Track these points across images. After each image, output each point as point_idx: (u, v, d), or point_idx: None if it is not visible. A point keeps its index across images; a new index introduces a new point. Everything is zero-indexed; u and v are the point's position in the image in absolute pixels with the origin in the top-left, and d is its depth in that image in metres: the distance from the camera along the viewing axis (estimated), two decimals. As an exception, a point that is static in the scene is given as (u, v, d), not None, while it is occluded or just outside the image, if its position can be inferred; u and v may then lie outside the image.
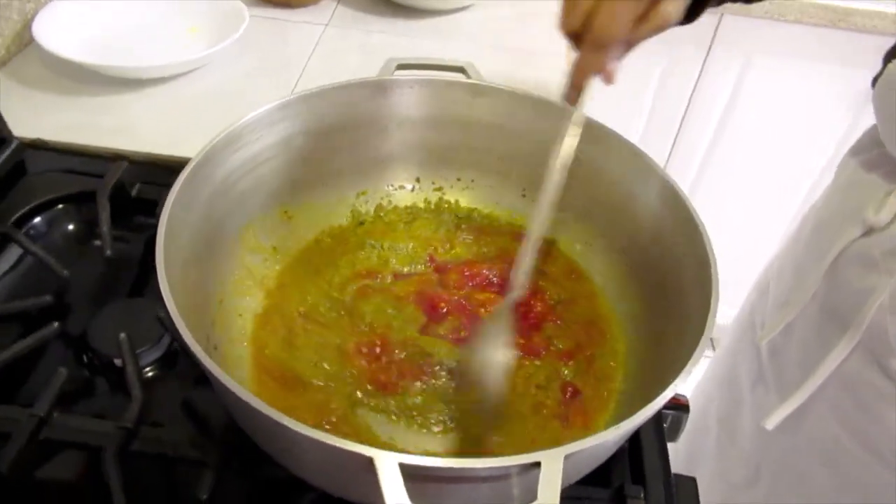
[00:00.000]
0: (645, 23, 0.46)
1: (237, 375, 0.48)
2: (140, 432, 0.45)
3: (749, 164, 1.46)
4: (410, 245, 0.61)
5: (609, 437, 0.36)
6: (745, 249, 1.36)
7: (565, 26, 0.49)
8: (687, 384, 0.39)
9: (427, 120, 0.62)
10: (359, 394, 0.49)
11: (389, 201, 0.64)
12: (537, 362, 0.53)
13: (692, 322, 0.44)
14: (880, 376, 0.57)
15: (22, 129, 0.70)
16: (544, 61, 0.94)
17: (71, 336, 0.54)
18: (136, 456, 0.45)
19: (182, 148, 0.50)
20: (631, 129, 1.42)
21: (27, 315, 0.55)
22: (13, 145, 0.67)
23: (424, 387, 0.50)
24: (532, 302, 0.56)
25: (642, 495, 0.46)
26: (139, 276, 0.59)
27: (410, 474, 0.32)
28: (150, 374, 0.52)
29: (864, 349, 0.58)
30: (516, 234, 0.63)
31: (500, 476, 0.35)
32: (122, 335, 0.50)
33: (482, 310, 0.55)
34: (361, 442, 0.33)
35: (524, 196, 0.64)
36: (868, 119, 0.65)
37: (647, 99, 1.39)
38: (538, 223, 0.50)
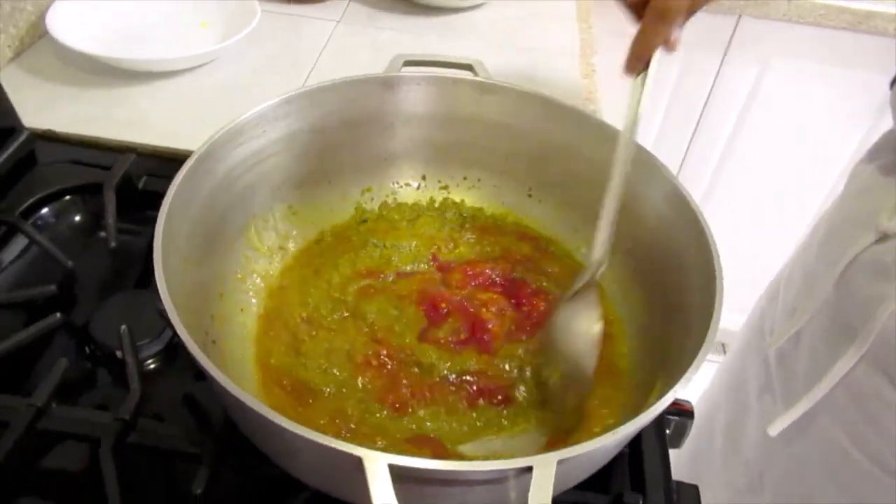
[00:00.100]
0: None
1: (238, 373, 0.48)
2: (138, 425, 0.45)
3: (765, 168, 1.44)
4: (413, 244, 0.60)
5: (604, 443, 0.35)
6: (759, 253, 1.34)
7: None
8: (694, 390, 0.38)
9: (434, 117, 0.61)
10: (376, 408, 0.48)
11: (395, 199, 0.63)
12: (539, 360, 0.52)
13: (696, 328, 0.43)
14: (887, 386, 0.56)
15: (33, 119, 0.70)
16: (554, 61, 0.93)
17: (74, 327, 0.54)
18: (133, 448, 0.45)
19: (192, 141, 0.50)
20: (646, 131, 1.41)
21: (32, 305, 0.55)
22: (24, 136, 0.68)
23: (438, 409, 0.48)
24: (535, 301, 0.56)
25: (641, 503, 0.45)
26: (145, 268, 0.59)
27: (401, 475, 0.32)
28: (150, 366, 0.52)
29: (872, 358, 0.57)
30: (521, 234, 0.62)
31: (493, 479, 0.34)
32: (123, 327, 0.50)
33: (484, 310, 0.55)
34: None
35: (530, 196, 0.63)
36: (886, 123, 0.64)
37: (663, 101, 1.38)
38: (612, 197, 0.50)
